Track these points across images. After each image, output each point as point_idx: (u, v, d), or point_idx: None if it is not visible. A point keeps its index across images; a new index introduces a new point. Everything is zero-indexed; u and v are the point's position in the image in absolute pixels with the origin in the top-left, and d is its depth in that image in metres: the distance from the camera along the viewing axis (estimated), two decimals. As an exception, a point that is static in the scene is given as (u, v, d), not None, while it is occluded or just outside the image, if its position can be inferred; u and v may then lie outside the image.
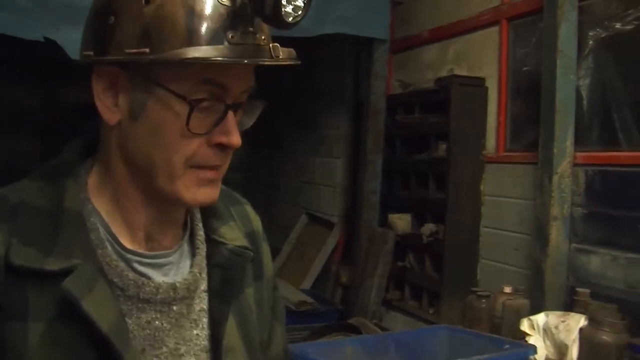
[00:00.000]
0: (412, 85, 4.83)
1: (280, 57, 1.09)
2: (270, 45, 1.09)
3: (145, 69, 1.04)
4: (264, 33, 1.08)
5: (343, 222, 5.49)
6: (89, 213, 1.11)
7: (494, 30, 4.07)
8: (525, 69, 3.85)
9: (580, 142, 3.37)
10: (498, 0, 4.05)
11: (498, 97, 4.03)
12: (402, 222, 4.59)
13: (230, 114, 1.08)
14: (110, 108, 1.09)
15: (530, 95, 3.69)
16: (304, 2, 1.08)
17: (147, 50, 1.02)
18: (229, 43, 1.03)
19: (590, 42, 3.35)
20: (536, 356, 2.81)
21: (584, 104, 3.38)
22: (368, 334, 3.57)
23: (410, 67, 4.95)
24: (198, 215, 1.26)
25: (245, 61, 1.06)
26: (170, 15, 1.02)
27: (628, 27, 3.16)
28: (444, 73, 4.45)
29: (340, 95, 5.61)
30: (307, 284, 5.34)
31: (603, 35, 3.30)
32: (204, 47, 1.01)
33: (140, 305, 1.11)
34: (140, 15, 1.03)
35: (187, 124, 1.04)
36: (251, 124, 1.17)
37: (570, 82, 3.35)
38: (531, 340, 2.92)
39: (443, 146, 4.23)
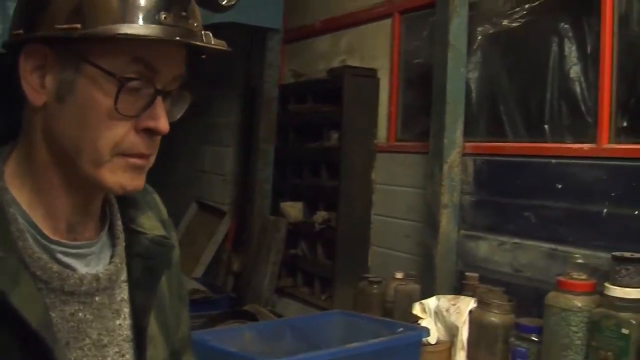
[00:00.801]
0: (304, 75, 4.87)
1: (212, 43, 1.11)
2: (203, 32, 1.10)
3: (75, 45, 1.02)
4: (196, 20, 1.09)
5: (234, 211, 5.48)
6: (8, 203, 1.06)
7: (386, 22, 4.16)
8: (416, 61, 3.96)
9: (469, 132, 3.49)
10: (391, -8, 4.14)
11: (390, 88, 4.13)
12: (294, 210, 4.64)
13: (159, 99, 1.08)
14: (36, 89, 1.05)
15: (421, 87, 3.80)
16: None
17: (78, 25, 1.00)
18: (162, 24, 1.03)
19: (479, 37, 3.49)
20: (428, 338, 2.91)
21: (473, 97, 3.52)
22: (264, 320, 3.59)
23: (303, 57, 4.99)
24: (116, 206, 1.23)
25: (177, 38, 1.05)
26: None
27: (514, 25, 3.32)
28: (336, 63, 4.52)
29: (232, 84, 5.58)
30: (198, 272, 5.30)
31: (491, 31, 3.44)
32: (137, 25, 1.01)
33: (63, 297, 1.08)
34: None
35: (116, 102, 1.03)
36: (180, 115, 1.16)
37: (461, 75, 3.47)
38: (423, 324, 3.01)
39: (335, 135, 4.30)
